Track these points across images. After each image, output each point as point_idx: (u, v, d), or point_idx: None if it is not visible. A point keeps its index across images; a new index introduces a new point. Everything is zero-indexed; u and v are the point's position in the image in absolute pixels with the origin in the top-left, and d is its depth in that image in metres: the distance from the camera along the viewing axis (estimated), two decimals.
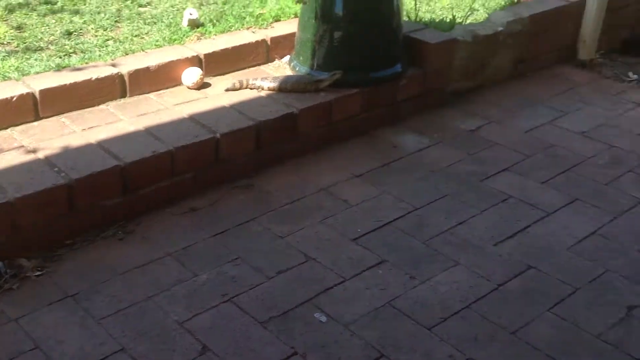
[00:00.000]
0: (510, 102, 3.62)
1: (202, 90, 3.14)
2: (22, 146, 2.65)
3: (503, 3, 4.07)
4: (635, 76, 3.93)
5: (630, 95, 3.69)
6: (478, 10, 4.00)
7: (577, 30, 3.98)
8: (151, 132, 2.78)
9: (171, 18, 3.57)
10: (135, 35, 3.37)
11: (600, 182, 2.95)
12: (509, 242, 2.59)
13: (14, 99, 2.74)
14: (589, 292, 2.36)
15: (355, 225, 2.66)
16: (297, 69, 3.32)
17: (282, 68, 3.39)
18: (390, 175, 2.99)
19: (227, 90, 3.14)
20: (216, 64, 3.22)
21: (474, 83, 3.70)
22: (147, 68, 3.04)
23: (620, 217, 2.73)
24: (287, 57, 3.44)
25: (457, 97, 3.62)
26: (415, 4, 3.92)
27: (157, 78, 3.08)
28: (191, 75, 3.11)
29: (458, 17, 3.86)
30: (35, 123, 2.80)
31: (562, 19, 3.92)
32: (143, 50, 3.19)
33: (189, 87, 3.13)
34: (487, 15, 3.88)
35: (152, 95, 3.07)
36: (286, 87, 3.14)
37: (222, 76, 3.25)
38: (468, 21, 3.85)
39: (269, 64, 3.41)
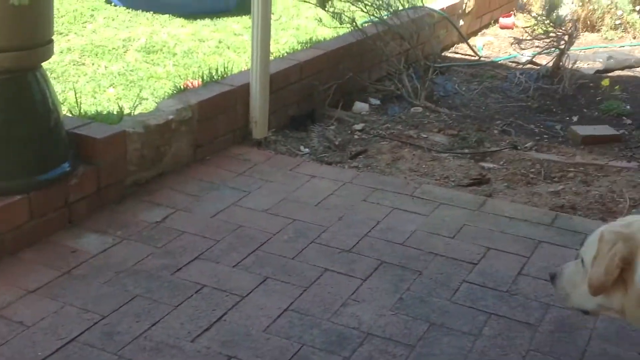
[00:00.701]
0: (195, 187, 3.65)
1: None
2: None
3: (171, 91, 4.14)
4: (307, 150, 4.24)
5: (304, 169, 3.95)
6: (147, 99, 4.03)
7: (247, 111, 4.18)
8: None
9: None
10: None
11: (288, 257, 3.07)
12: (206, 334, 2.55)
13: None
14: None
15: (34, 348, 2.41)
16: None
17: None
18: (71, 284, 2.78)
19: None
20: None
21: (154, 172, 3.66)
22: None
23: (309, 289, 2.85)
24: None
25: (138, 188, 3.55)
26: (77, 99, 3.80)
27: None
28: None
29: (126, 108, 3.83)
30: None
31: (230, 103, 4.10)
32: None
33: None
34: (156, 104, 3.91)
35: None
36: None
37: None
38: (137, 111, 3.84)
39: None
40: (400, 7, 5.24)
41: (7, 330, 2.49)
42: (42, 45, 3.05)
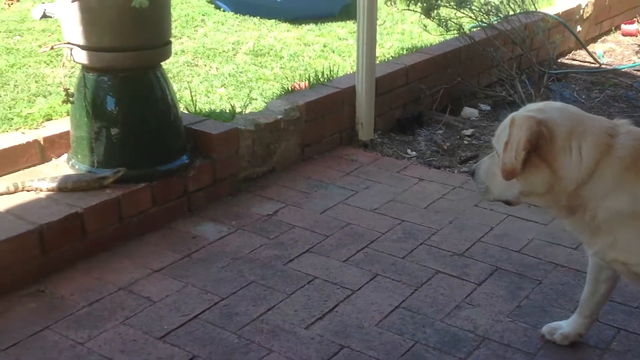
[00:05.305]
0: (303, 184, 3.92)
1: None
2: None
3: (279, 92, 4.44)
4: (414, 153, 4.43)
5: (412, 172, 4.13)
6: (256, 99, 4.34)
7: (353, 113, 4.43)
8: None
9: None
10: None
11: (397, 256, 3.23)
12: (319, 323, 2.75)
13: None
14: None
15: (160, 322, 2.71)
16: (76, 167, 3.37)
17: (61, 167, 3.41)
18: (192, 266, 3.09)
19: (0, 195, 3.08)
20: None
21: (265, 168, 3.97)
22: None
23: (420, 289, 2.99)
24: (65, 156, 3.46)
25: (250, 183, 3.86)
26: (192, 97, 4.16)
27: None
28: None
29: (237, 107, 4.16)
30: None
31: (337, 104, 4.36)
32: None
33: None
34: (265, 104, 4.23)
35: None
36: (67, 186, 3.17)
37: None
38: (248, 110, 4.17)
39: (46, 163, 3.44)
40: (511, 12, 5.34)
41: (136, 303, 2.82)
42: (160, 47, 3.39)
